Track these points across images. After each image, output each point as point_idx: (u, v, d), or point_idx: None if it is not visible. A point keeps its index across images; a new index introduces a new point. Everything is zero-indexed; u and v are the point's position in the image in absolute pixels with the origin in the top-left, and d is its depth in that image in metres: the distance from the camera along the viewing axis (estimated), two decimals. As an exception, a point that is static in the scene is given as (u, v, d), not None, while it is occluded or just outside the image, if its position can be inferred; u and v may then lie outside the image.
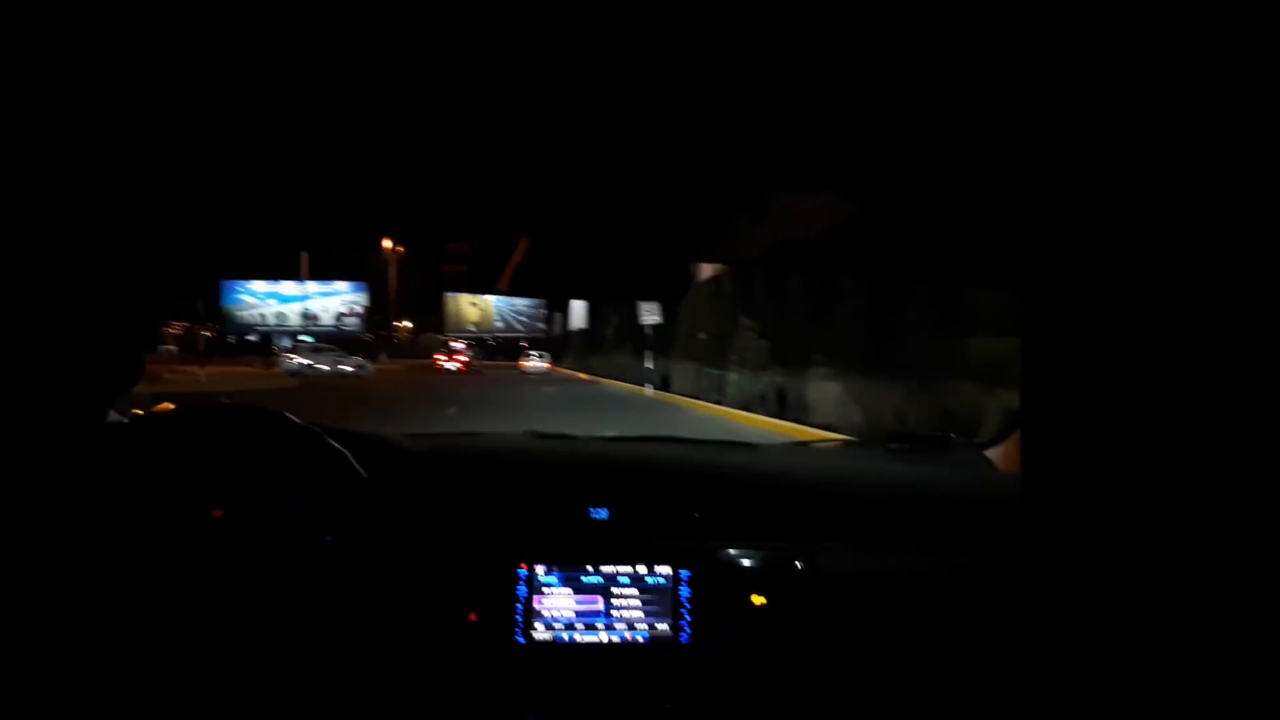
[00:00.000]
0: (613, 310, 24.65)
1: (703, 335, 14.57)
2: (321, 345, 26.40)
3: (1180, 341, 0.93)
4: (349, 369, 23.89)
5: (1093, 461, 1.07)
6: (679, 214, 1.19)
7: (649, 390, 17.14)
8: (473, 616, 1.35)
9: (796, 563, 1.42)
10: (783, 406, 11.40)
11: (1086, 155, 0.90)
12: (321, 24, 0.69)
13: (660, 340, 17.19)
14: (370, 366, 25.05)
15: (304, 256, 29.21)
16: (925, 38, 0.68)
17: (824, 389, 10.24)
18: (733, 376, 13.06)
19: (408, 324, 49.65)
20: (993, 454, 1.76)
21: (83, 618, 1.13)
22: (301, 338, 28.92)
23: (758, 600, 1.39)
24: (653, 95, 0.81)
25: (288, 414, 1.31)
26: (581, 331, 30.69)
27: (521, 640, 1.37)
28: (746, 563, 1.43)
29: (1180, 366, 0.93)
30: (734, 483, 1.60)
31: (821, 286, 9.98)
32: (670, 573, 1.41)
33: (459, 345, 31.58)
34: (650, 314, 15.87)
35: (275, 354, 27.18)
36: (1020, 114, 0.82)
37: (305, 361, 23.70)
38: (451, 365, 30.04)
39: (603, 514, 1.47)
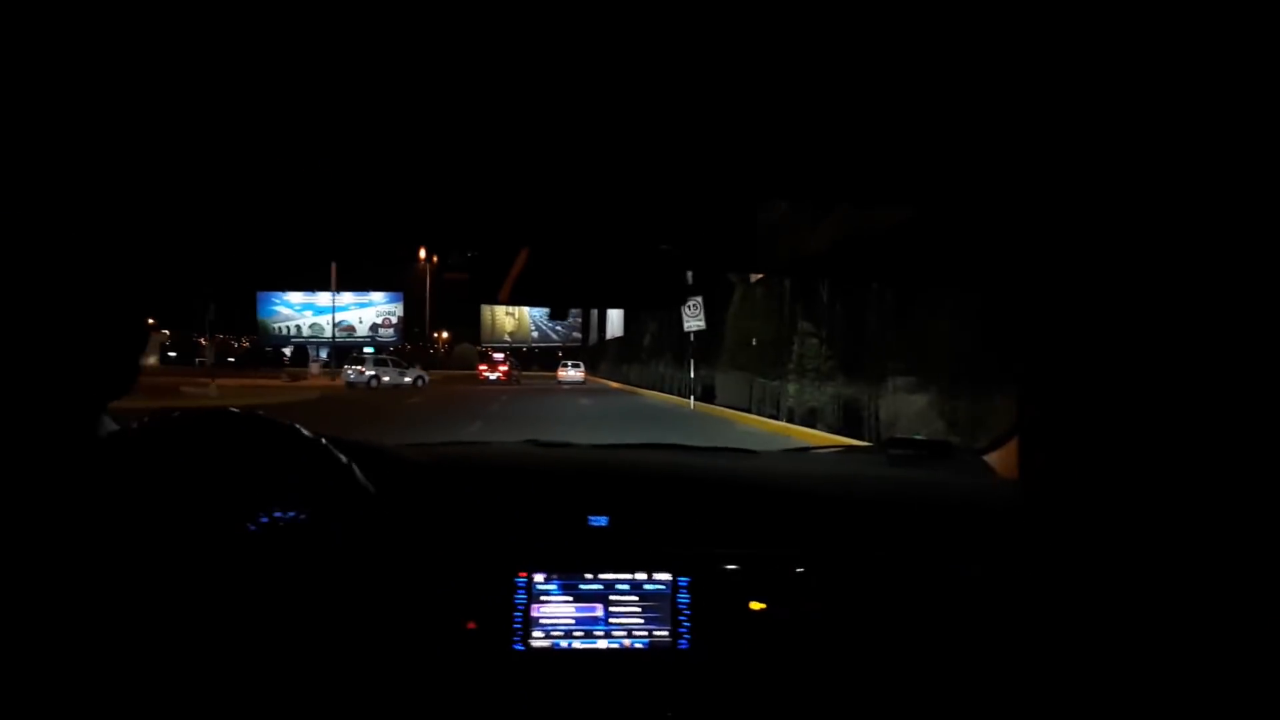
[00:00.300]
0: (650, 316, 23.61)
1: (754, 341, 13.25)
2: (383, 357, 27.02)
3: (1177, 344, 0.94)
4: (408, 380, 24.71)
5: (1091, 465, 1.09)
6: (698, 217, 1.21)
7: (692, 403, 15.80)
8: (471, 625, 1.36)
9: (797, 569, 1.43)
10: (850, 421, 10.03)
11: (1081, 156, 0.94)
12: (342, 37, 0.73)
13: (703, 347, 15.89)
14: (427, 377, 25.95)
15: (334, 267, 29.26)
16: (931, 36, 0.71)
17: (905, 402, 8.86)
18: (791, 388, 11.70)
19: (445, 335, 49.63)
20: (993, 459, 1.78)
21: (73, 625, 1.10)
22: (366, 350, 29.68)
23: (756, 606, 1.40)
24: (658, 94, 0.84)
25: (296, 425, 1.32)
26: (617, 340, 30.66)
27: (520, 648, 1.38)
28: (745, 569, 1.43)
29: (1178, 369, 0.94)
30: (734, 489, 1.61)
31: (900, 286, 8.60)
32: (669, 579, 1.43)
33: (499, 356, 32.90)
34: (693, 318, 14.57)
35: (312, 364, 27.79)
36: (1016, 115, 0.87)
37: (371, 373, 24.25)
38: (493, 375, 31.91)
39: (602, 521, 1.48)
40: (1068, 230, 1.06)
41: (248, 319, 35.55)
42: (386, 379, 24.38)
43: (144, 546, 1.15)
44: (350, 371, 24.94)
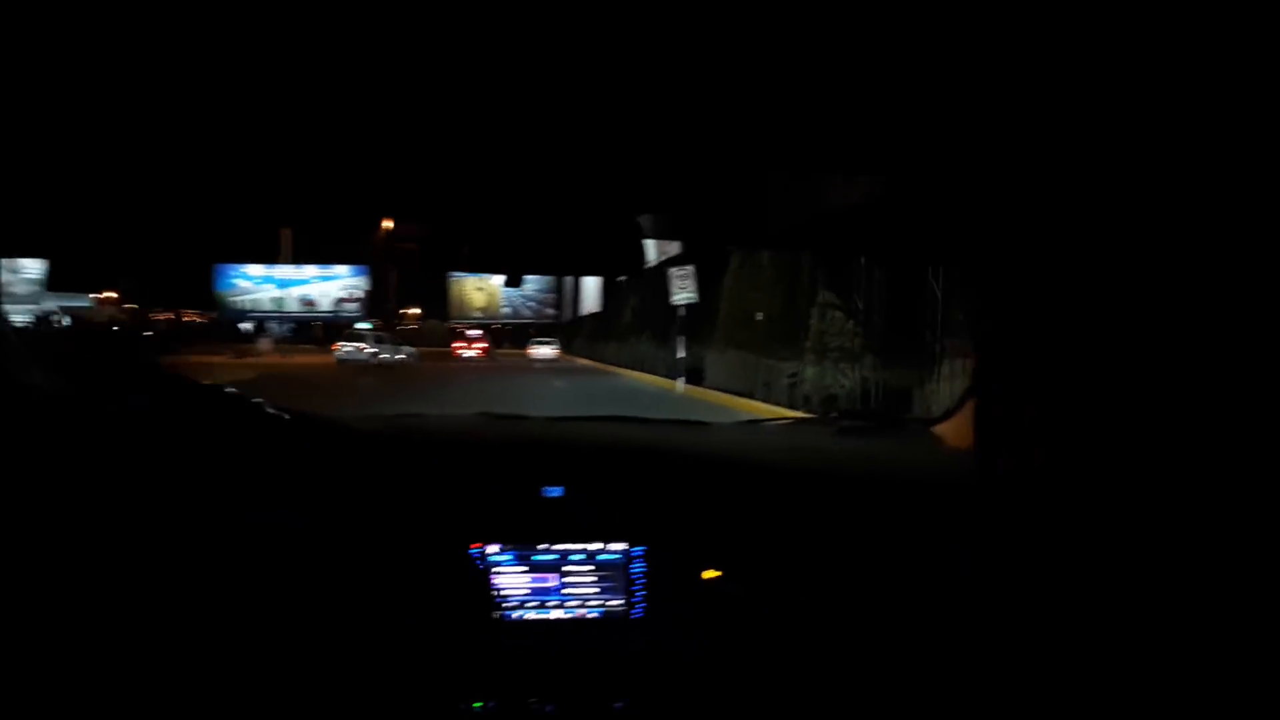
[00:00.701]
0: (631, 290, 21.89)
1: (759, 316, 11.48)
2: (381, 334, 26.41)
3: (1132, 317, 0.94)
4: (402, 357, 24.68)
5: (1046, 437, 1.09)
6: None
7: (680, 386, 14.00)
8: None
9: (748, 537, 1.45)
10: (885, 406, 8.37)
11: (1046, 140, 0.96)
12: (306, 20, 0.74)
13: (691, 323, 14.13)
14: (417, 354, 25.71)
15: (288, 235, 27.52)
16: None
17: (958, 386, 7.19)
18: (809, 370, 9.96)
19: (416, 310, 48.09)
20: (942, 430, 1.79)
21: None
22: (360, 325, 28.34)
23: (709, 575, 1.42)
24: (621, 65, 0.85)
25: (233, 389, 1.38)
26: (594, 316, 29.34)
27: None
28: (698, 538, 1.46)
29: (1132, 342, 0.94)
30: (687, 459, 1.65)
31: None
32: (624, 549, 1.45)
33: (475, 333, 32.44)
34: (683, 289, 12.82)
35: (255, 340, 25.90)
36: (986, 106, 0.91)
37: (370, 350, 23.86)
38: (470, 352, 30.89)
39: (556, 492, 1.48)
40: (1025, 208, 1.07)
41: (206, 293, 34.20)
42: (384, 356, 23.87)
43: (91, 529, 1.08)
44: (348, 348, 23.69)
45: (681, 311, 13.46)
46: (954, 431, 1.71)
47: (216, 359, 21.02)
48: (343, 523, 1.29)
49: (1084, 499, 1.01)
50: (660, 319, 17.44)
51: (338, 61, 0.84)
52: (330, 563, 1.26)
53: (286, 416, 1.27)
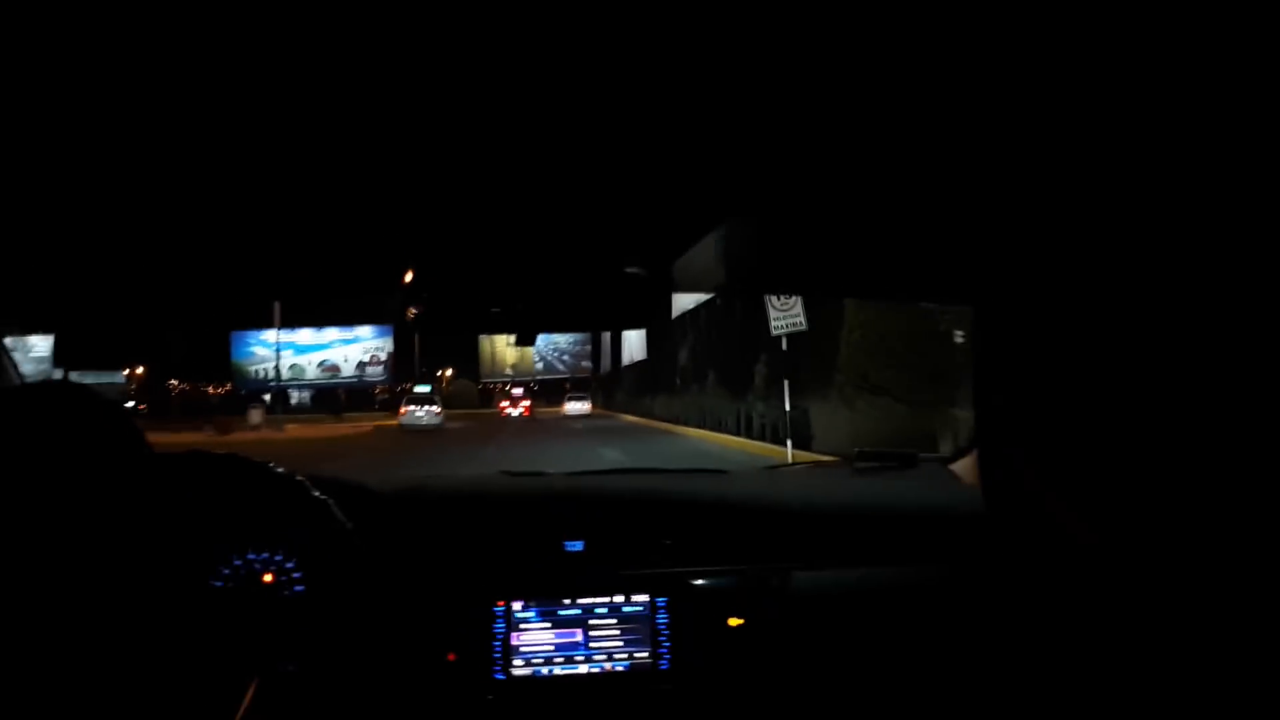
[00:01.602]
0: (690, 326, 18.10)
1: (959, 337, 7.37)
2: (434, 397, 26.19)
3: (1130, 352, 0.95)
4: (439, 421, 24.56)
5: (1048, 472, 1.10)
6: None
7: (789, 452, 9.70)
8: (451, 656, 1.37)
9: (771, 582, 1.44)
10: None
11: (1041, 164, 0.92)
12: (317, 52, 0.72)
13: (776, 362, 10.19)
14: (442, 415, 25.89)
15: (276, 306, 25.33)
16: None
17: None
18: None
19: (449, 372, 45.97)
20: (958, 468, 1.75)
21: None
22: (420, 388, 28.38)
23: (734, 622, 1.42)
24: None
25: (270, 463, 1.30)
26: (636, 366, 26.83)
27: (500, 676, 1.38)
28: (722, 586, 1.45)
29: (1128, 383, 0.95)
30: (707, 508, 1.61)
31: None
32: (647, 600, 1.43)
33: (518, 392, 32.48)
34: (786, 314, 8.90)
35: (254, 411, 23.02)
36: (977, 121, 0.84)
37: (435, 411, 24.17)
38: (515, 411, 30.21)
39: (578, 546, 1.47)
40: (1020, 240, 1.06)
41: (220, 363, 33.01)
42: (433, 421, 23.87)
43: (110, 594, 1.03)
44: (418, 412, 23.88)
45: (783, 345, 9.51)
46: (968, 470, 1.69)
47: (193, 438, 17.53)
48: (370, 587, 1.28)
49: (1088, 534, 1.04)
50: (732, 361, 13.77)
51: (335, 121, 0.85)
52: (357, 626, 1.26)
53: (318, 492, 1.24)
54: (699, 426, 16.65)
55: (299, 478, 1.27)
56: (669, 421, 20.05)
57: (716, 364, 16.60)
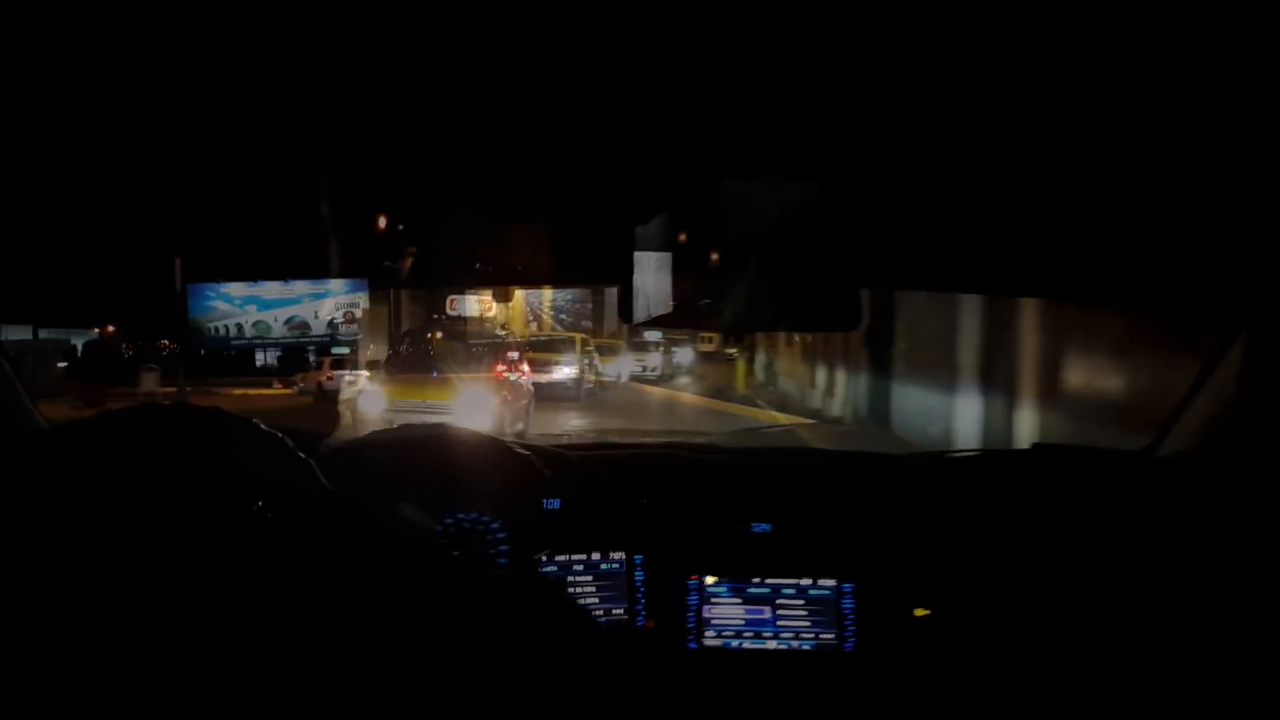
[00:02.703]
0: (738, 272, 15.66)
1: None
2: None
3: None
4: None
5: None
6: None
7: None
8: (650, 624, 1.51)
9: (961, 578, 1.45)
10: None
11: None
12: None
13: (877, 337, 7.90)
14: None
15: (178, 262, 21.91)
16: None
17: None
18: None
19: (438, 335, 43.48)
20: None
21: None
22: (336, 350, 25.23)
23: (920, 613, 1.46)
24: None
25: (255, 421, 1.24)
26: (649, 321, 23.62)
27: (694, 645, 1.52)
28: (909, 576, 1.49)
29: None
30: (891, 496, 1.62)
31: None
32: (834, 585, 1.52)
33: (514, 355, 27.94)
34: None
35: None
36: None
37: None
38: (513, 375, 26.20)
39: (765, 528, 1.56)
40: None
41: (165, 317, 29.70)
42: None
43: (106, 551, 1.02)
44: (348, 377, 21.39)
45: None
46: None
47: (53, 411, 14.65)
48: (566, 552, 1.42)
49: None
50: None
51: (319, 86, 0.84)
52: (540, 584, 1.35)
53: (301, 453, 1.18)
54: (739, 402, 14.40)
55: (279, 435, 1.18)
56: (698, 394, 17.78)
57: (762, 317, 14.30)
